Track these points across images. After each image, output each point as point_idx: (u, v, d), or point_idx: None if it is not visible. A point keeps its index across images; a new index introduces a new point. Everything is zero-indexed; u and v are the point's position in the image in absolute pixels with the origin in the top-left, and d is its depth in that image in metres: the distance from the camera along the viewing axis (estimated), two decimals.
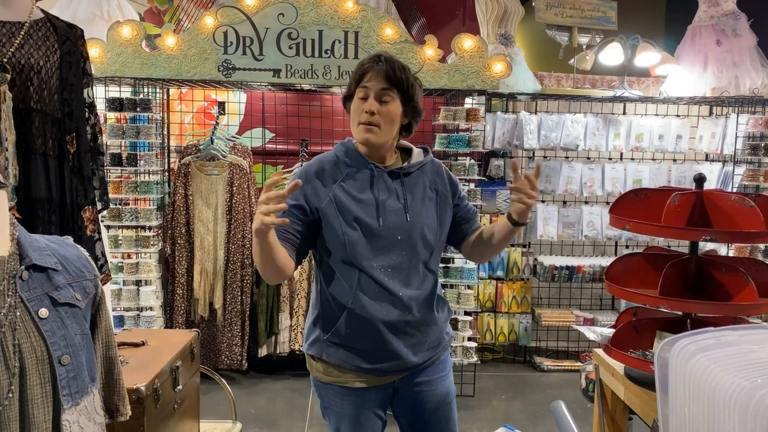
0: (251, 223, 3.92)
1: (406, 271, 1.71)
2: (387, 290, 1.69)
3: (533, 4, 4.44)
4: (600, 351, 1.97)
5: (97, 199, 2.09)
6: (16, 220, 1.17)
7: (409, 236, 1.71)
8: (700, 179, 1.75)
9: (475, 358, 3.85)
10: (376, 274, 1.69)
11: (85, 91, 2.01)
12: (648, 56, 4.40)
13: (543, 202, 4.52)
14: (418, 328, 1.74)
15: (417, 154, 1.80)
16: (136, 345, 2.06)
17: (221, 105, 4.00)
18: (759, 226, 1.56)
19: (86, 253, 1.28)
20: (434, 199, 1.78)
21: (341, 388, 1.75)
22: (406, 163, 1.77)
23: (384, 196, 1.71)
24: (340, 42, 3.71)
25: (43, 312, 1.12)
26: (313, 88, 4.03)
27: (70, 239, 1.30)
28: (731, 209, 1.64)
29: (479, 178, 3.89)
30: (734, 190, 4.17)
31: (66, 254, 1.23)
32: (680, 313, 1.80)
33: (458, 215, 1.86)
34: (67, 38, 1.92)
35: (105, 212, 3.59)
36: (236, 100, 4.28)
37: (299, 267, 4.06)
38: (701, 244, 1.76)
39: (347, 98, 1.75)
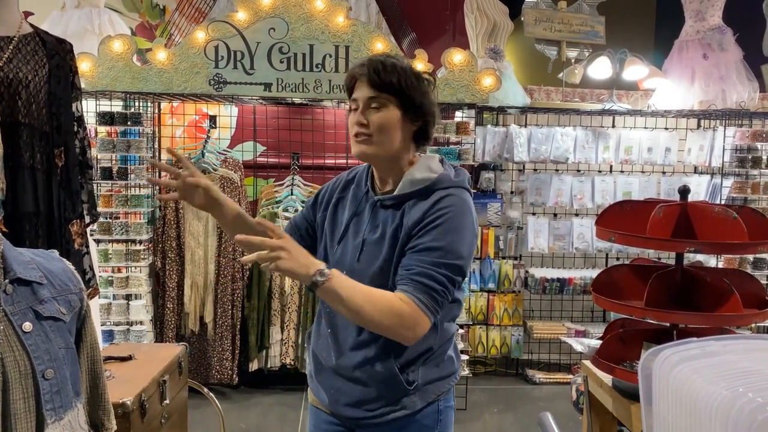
0: None
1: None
2: (326, 325, 1.55)
3: (522, 18, 4.49)
4: (588, 363, 1.98)
5: (85, 212, 2.09)
6: (1, 234, 1.17)
7: (357, 277, 1.42)
8: (684, 191, 1.77)
9: (467, 371, 3.84)
10: (321, 307, 1.57)
11: (74, 105, 2.01)
12: (636, 70, 4.45)
13: (534, 214, 4.54)
14: (349, 378, 1.52)
15: (407, 184, 1.48)
16: (123, 359, 2.05)
17: (212, 119, 4.01)
18: (742, 238, 1.57)
19: (72, 267, 1.28)
20: (400, 239, 1.46)
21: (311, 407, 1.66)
22: (396, 192, 1.50)
23: (352, 226, 1.53)
24: (330, 56, 3.73)
25: (27, 326, 1.12)
26: (305, 102, 4.05)
27: (55, 253, 1.29)
28: (715, 221, 1.66)
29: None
30: (722, 202, 4.20)
31: (51, 268, 1.22)
32: (667, 324, 1.81)
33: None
34: (56, 53, 1.93)
35: (95, 226, 3.58)
36: (227, 114, 4.29)
37: (291, 280, 3.99)
38: (690, 255, 1.78)
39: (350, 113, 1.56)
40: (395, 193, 1.48)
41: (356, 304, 1.34)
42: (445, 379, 1.55)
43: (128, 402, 1.76)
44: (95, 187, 3.71)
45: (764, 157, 4.19)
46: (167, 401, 2.01)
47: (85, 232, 2.06)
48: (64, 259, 1.28)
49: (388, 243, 1.45)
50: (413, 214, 1.45)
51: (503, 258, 4.50)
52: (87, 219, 2.10)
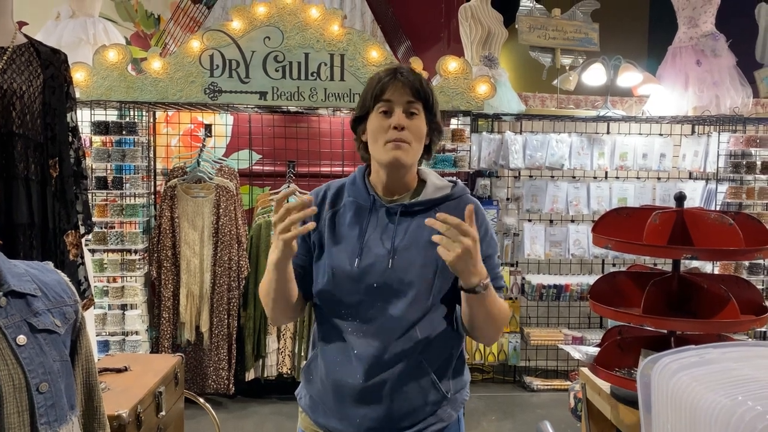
0: (238, 245, 3.91)
1: (380, 329, 1.42)
2: (349, 347, 1.44)
3: (516, 26, 4.51)
4: (586, 370, 1.97)
5: (80, 223, 2.07)
6: None
7: (388, 286, 1.42)
8: (680, 198, 1.77)
9: None
10: (341, 325, 1.45)
11: (69, 115, 2.00)
12: (630, 76, 4.47)
13: (530, 221, 4.54)
14: (381, 399, 1.44)
15: (433, 189, 1.50)
16: (118, 371, 2.03)
17: (208, 127, 4.00)
18: (738, 244, 1.57)
19: (66, 279, 1.27)
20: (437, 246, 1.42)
21: None
22: (414, 199, 1.49)
23: (371, 234, 1.46)
24: (326, 64, 3.74)
25: (21, 339, 1.11)
26: (300, 110, 4.05)
27: (50, 264, 1.28)
28: (711, 227, 1.66)
29: None
30: (717, 208, 4.21)
31: (46, 280, 1.21)
32: (665, 331, 1.81)
33: None
34: (51, 63, 1.92)
35: (90, 235, 3.56)
36: (223, 123, 4.29)
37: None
38: (687, 261, 1.78)
39: (360, 119, 1.50)
40: (422, 198, 1.48)
41: (498, 310, 1.42)
42: (467, 386, 1.57)
43: (124, 414, 1.74)
44: (90, 197, 3.70)
45: (758, 163, 4.21)
46: (163, 413, 1.99)
47: (80, 243, 2.05)
48: (59, 271, 1.27)
49: (426, 247, 1.43)
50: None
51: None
52: (82, 229, 2.09)
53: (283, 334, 4.03)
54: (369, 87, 1.48)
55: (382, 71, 1.48)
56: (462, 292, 1.38)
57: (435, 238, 1.30)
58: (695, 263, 3.85)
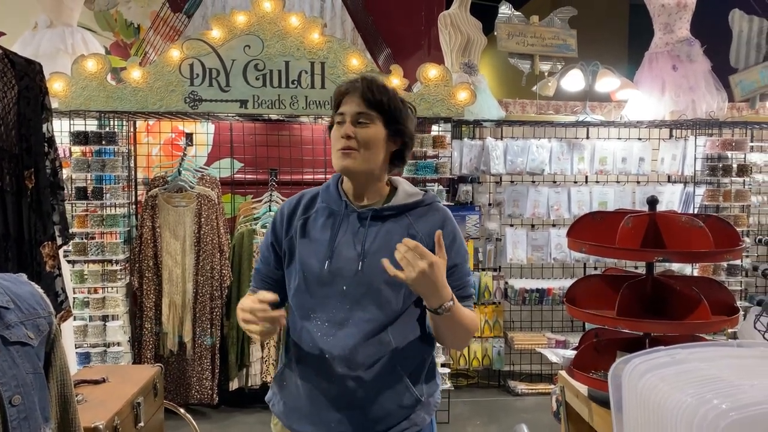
0: (220, 254, 3.90)
1: (350, 332, 1.45)
2: (321, 350, 1.46)
3: (495, 33, 4.56)
4: (564, 373, 1.99)
5: (57, 234, 2.06)
6: None
7: (359, 289, 1.46)
8: (652, 201, 1.80)
9: (449, 384, 3.84)
10: (312, 329, 1.48)
11: (44, 126, 2.00)
12: (608, 82, 4.52)
13: (512, 226, 4.57)
14: (355, 403, 1.47)
15: (404, 195, 1.54)
16: (96, 382, 2.02)
17: (188, 136, 3.99)
18: (708, 246, 1.60)
19: (40, 291, 1.26)
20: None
21: None
22: (384, 204, 1.53)
23: (342, 238, 1.49)
24: (306, 72, 3.75)
25: None
26: (281, 118, 4.05)
27: (23, 276, 1.28)
28: (682, 230, 1.69)
29: (448, 203, 3.93)
30: (696, 210, 4.28)
31: (18, 292, 1.21)
32: (640, 333, 1.83)
33: None
34: (25, 74, 1.92)
35: (69, 246, 3.53)
36: (204, 131, 4.28)
37: None
38: (665, 263, 1.81)
39: (330, 127, 1.56)
40: (393, 203, 1.52)
41: (465, 324, 1.45)
42: (438, 389, 1.60)
43: (101, 426, 1.73)
44: (70, 207, 3.67)
45: (734, 166, 4.28)
46: (142, 424, 1.98)
47: (57, 254, 2.04)
48: (33, 283, 1.27)
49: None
50: (423, 225, 1.52)
51: (483, 270, 4.52)
52: (59, 241, 2.08)
53: (267, 343, 4.02)
54: (333, 97, 1.55)
55: (345, 82, 1.53)
56: (432, 314, 1.41)
57: (396, 258, 1.33)
58: (674, 266, 3.90)
